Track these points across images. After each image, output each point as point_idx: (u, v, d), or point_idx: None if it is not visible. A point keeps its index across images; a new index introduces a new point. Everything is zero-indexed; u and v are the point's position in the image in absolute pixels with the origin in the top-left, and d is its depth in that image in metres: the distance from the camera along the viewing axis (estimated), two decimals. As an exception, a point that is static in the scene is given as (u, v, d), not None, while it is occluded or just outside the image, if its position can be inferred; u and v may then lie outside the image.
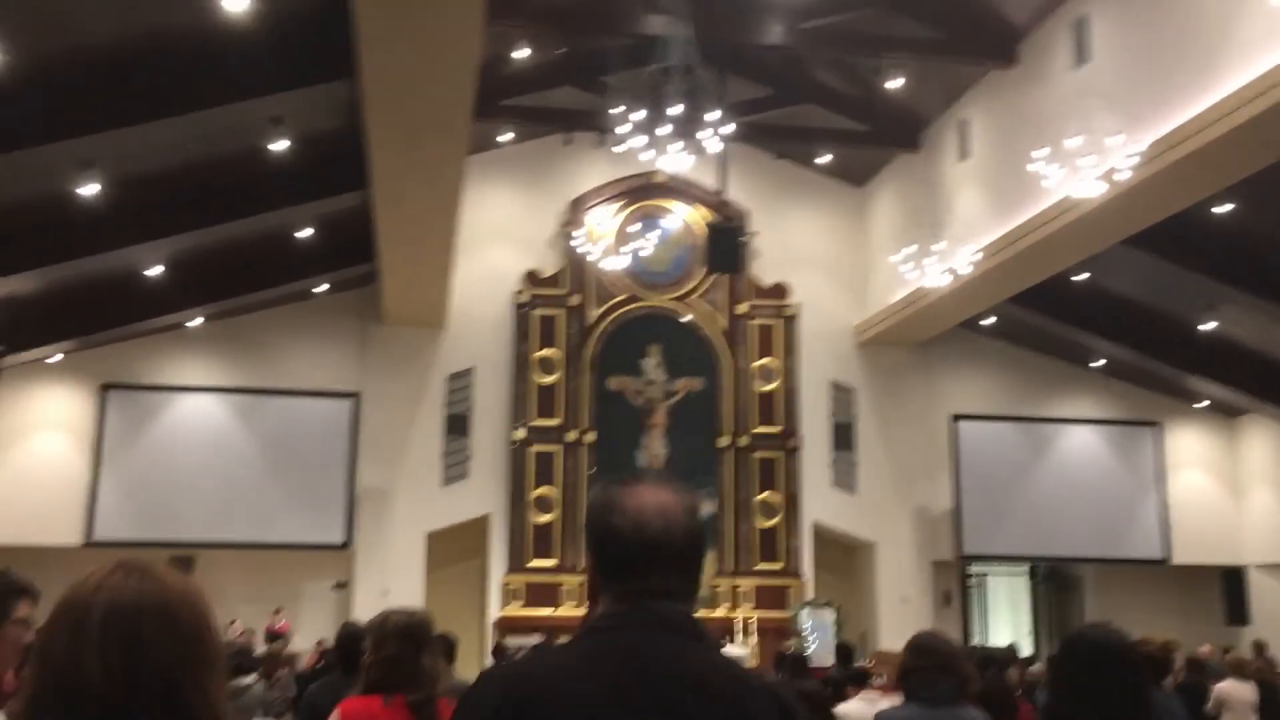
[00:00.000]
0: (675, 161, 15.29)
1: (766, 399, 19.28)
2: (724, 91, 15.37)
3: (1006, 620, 22.10)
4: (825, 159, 19.19)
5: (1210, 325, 16.83)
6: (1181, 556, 19.84)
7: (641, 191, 19.30)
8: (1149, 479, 20.20)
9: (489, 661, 14.91)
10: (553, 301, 19.01)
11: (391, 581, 17.55)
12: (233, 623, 16.00)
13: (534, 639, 14.30)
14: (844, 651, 9.76)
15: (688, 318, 19.21)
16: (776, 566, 18.71)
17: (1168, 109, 11.36)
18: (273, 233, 15.32)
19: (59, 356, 17.23)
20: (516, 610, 17.75)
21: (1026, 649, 19.43)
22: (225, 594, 16.93)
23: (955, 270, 15.34)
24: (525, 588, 17.99)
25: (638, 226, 18.80)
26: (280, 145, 12.67)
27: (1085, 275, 16.29)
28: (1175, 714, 4.88)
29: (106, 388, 17.74)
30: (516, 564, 18.14)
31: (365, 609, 16.07)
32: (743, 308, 19.44)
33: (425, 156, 12.09)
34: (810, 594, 18.59)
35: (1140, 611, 19.15)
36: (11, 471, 17.14)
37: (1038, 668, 11.95)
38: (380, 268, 15.89)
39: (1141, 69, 12.04)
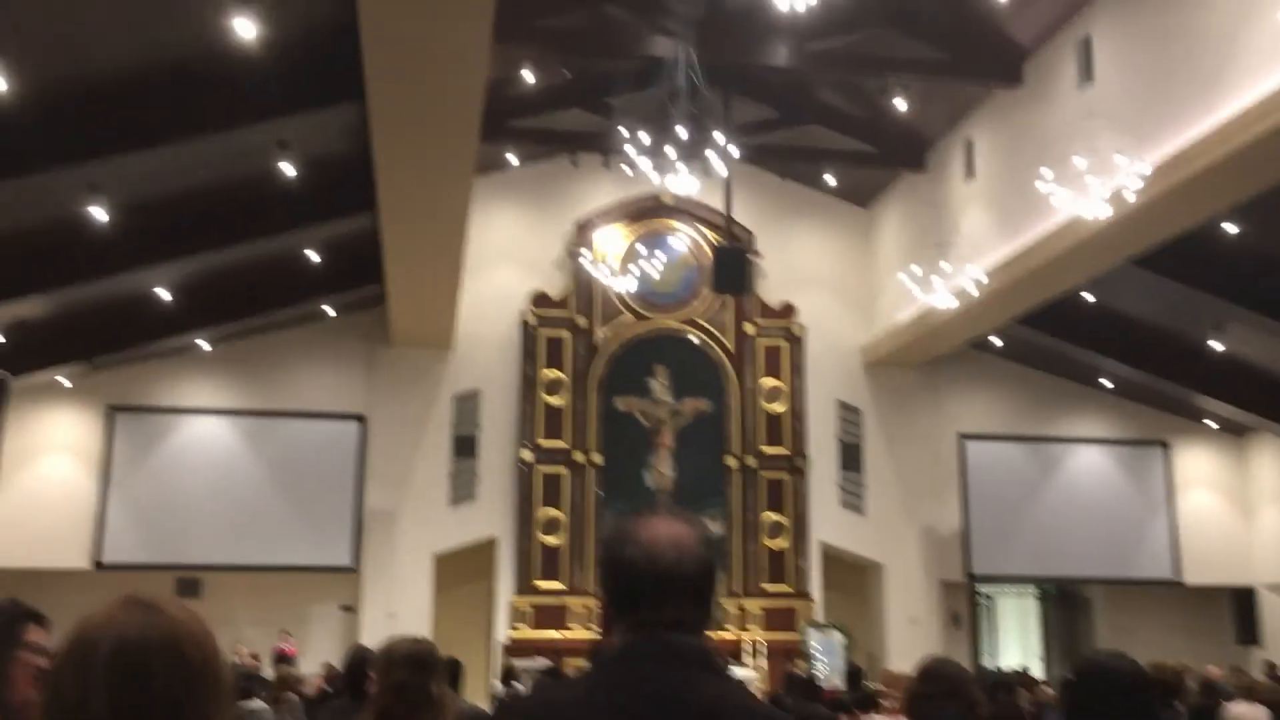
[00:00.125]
0: (681, 183, 15.35)
1: (774, 419, 19.26)
2: (729, 113, 15.43)
3: (1016, 641, 21.99)
4: (831, 180, 19.22)
5: (1218, 344, 16.80)
6: (1192, 577, 19.74)
7: (648, 213, 19.36)
8: (1158, 499, 20.12)
9: (496, 684, 14.85)
10: (559, 323, 19.03)
11: (399, 603, 17.53)
12: (239, 646, 15.96)
13: (541, 662, 14.23)
14: (853, 674, 9.72)
15: (695, 339, 19.23)
16: (784, 588, 18.65)
17: (1174, 128, 11.37)
18: (280, 255, 15.38)
19: (67, 379, 17.28)
20: (524, 632, 17.69)
21: (1037, 670, 19.32)
22: (233, 617, 16.93)
23: (962, 290, 15.34)
24: (533, 610, 17.93)
25: (644, 248, 18.87)
26: (288, 168, 12.74)
27: (1092, 295, 16.29)
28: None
29: (114, 410, 17.78)
30: (524, 586, 18.09)
31: (372, 631, 16.07)
32: (750, 328, 19.45)
33: (433, 179, 12.14)
34: (818, 615, 18.53)
35: (1150, 632, 19.06)
36: (20, 494, 17.16)
37: (1048, 690, 11.87)
38: (388, 290, 15.93)
39: (1147, 88, 12.06)
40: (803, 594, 18.68)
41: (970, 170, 16.31)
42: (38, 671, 2.58)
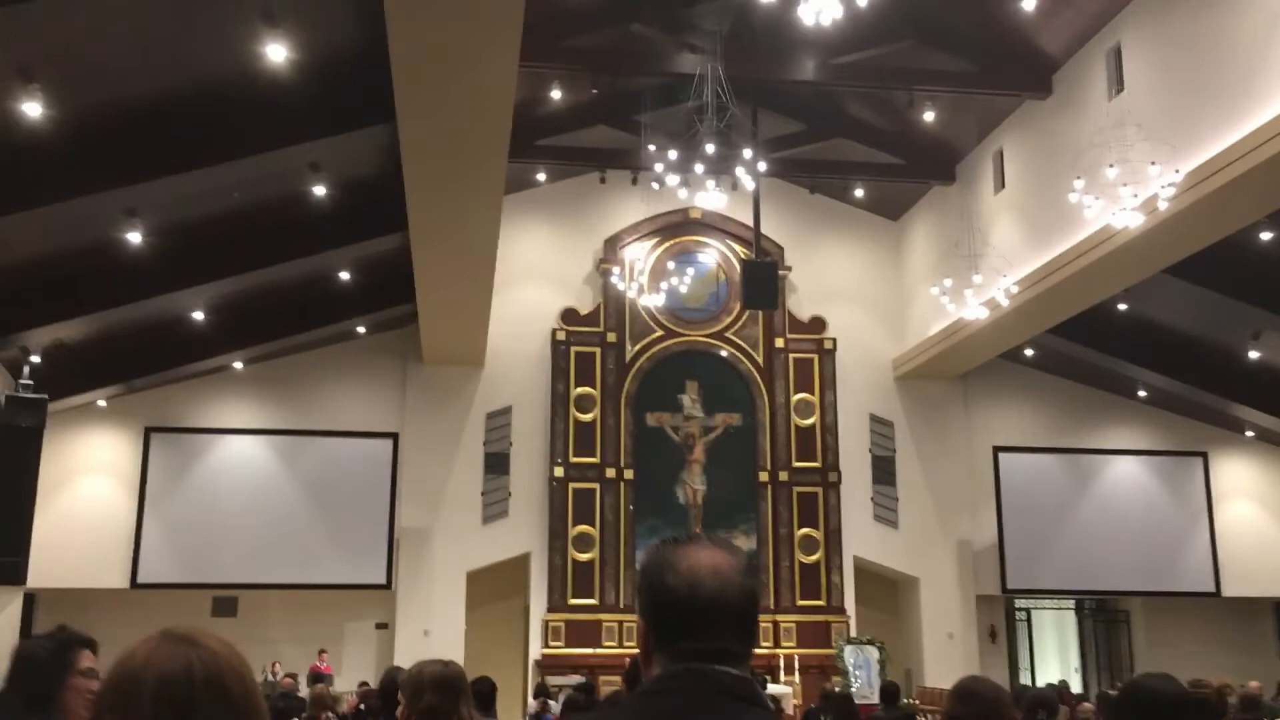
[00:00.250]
0: (710, 198, 15.36)
1: (805, 433, 19.19)
2: (757, 128, 15.44)
3: (1054, 655, 21.76)
4: (860, 193, 19.17)
5: (1256, 353, 16.60)
6: (1232, 589, 19.47)
7: (677, 228, 19.38)
8: (1197, 510, 19.86)
9: (531, 702, 14.84)
10: (590, 339, 19.06)
11: (432, 621, 17.57)
12: (275, 665, 16.04)
13: (575, 678, 14.22)
14: (889, 692, 9.64)
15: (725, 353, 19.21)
16: (818, 603, 18.54)
17: (1206, 136, 11.28)
18: (313, 276, 15.52)
19: (104, 401, 17.48)
20: (557, 649, 17.69)
21: (1075, 685, 19.10)
22: (268, 635, 17.02)
23: (994, 302, 15.25)
24: (565, 626, 17.92)
25: (673, 263, 18.88)
26: (320, 190, 12.86)
27: (1126, 305, 16.14)
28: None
29: (151, 431, 17.95)
30: (557, 602, 18.09)
31: (407, 649, 16.12)
32: (780, 342, 19.40)
33: (462, 198, 12.21)
34: (853, 630, 18.41)
35: (1191, 644, 18.82)
36: (59, 515, 17.33)
37: (1087, 706, 11.73)
38: (419, 308, 16.02)
39: (1178, 97, 11.96)
40: (837, 609, 18.57)
41: (1000, 181, 16.22)
42: (90, 696, 2.62)
